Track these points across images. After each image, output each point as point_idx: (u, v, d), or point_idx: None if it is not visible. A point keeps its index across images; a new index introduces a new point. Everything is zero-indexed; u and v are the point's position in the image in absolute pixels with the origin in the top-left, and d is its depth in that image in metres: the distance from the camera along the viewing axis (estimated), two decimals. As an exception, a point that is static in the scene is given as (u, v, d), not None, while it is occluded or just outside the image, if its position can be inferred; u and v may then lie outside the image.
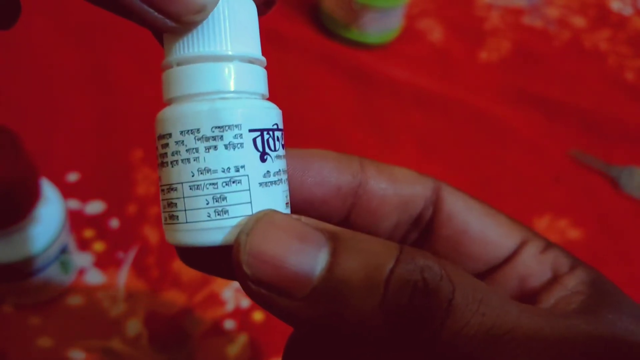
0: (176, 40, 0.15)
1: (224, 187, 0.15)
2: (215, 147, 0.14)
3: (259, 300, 0.14)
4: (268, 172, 0.15)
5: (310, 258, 0.13)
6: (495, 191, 0.43)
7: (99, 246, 0.36)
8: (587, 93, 0.50)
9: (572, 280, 0.17)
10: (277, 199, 0.15)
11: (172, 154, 0.15)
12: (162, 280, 0.35)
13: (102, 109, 0.43)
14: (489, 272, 0.18)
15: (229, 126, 0.14)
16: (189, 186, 0.15)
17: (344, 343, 0.14)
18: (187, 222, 0.15)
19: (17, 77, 0.43)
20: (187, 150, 0.15)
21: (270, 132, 0.15)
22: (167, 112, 0.15)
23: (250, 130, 0.15)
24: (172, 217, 0.15)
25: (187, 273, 0.35)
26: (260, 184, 0.15)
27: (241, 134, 0.15)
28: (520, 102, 0.49)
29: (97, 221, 0.37)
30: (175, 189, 0.15)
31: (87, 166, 0.39)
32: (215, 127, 0.14)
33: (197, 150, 0.15)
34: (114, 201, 0.38)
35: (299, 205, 0.18)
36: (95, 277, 0.34)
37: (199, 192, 0.15)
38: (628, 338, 0.14)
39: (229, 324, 0.34)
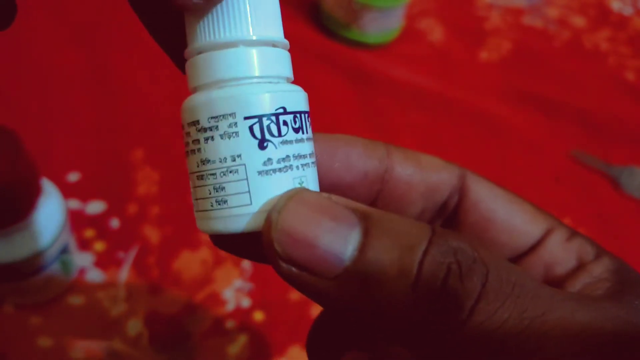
0: (192, 27, 0.15)
1: (221, 177, 0.15)
2: (212, 138, 0.14)
3: (289, 279, 0.14)
4: (269, 159, 0.15)
5: (341, 237, 0.13)
6: (496, 191, 0.43)
7: (99, 246, 0.36)
8: (587, 93, 0.50)
9: (598, 267, 0.17)
10: (282, 187, 0.15)
11: (186, 145, 0.15)
12: (163, 280, 0.35)
13: (102, 109, 0.43)
14: (515, 260, 0.18)
15: (223, 115, 0.14)
16: (196, 176, 0.15)
17: (374, 325, 0.14)
18: (198, 211, 0.15)
19: (17, 77, 0.43)
20: (192, 142, 0.15)
21: (273, 117, 0.15)
22: (184, 102, 0.15)
23: (246, 118, 0.14)
24: (194, 203, 0.16)
25: (188, 273, 0.35)
26: (260, 172, 0.14)
27: (235, 123, 0.14)
28: (521, 102, 0.49)
29: (97, 221, 0.37)
30: (191, 179, 0.15)
31: (88, 166, 0.39)
32: (211, 118, 0.14)
33: (198, 141, 0.15)
34: (114, 201, 0.38)
35: (326, 190, 0.17)
36: (95, 276, 0.34)
37: (203, 182, 0.15)
38: None
39: (229, 324, 0.34)
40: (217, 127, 0.14)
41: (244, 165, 0.14)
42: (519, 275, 0.13)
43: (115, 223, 0.37)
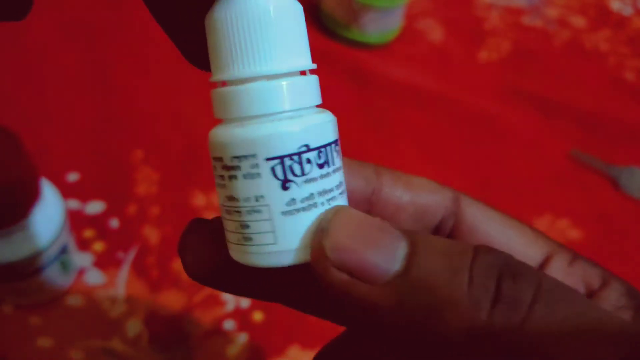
0: (215, 54, 0.15)
1: (246, 215, 0.15)
2: (236, 177, 0.14)
3: (340, 287, 0.14)
4: (293, 200, 0.14)
5: (391, 245, 0.13)
6: (495, 191, 0.43)
7: (99, 246, 0.36)
8: (587, 93, 0.50)
9: (612, 294, 0.17)
10: (307, 225, 0.15)
11: (215, 177, 0.15)
12: (162, 280, 0.35)
13: (102, 109, 0.43)
14: None
15: (245, 156, 0.14)
16: (225, 210, 0.15)
17: (424, 336, 0.13)
18: (229, 242, 0.15)
19: (17, 77, 0.43)
20: (219, 176, 0.15)
21: (295, 157, 0.14)
22: (210, 134, 0.15)
23: (268, 159, 0.14)
24: (225, 232, 0.16)
25: (187, 273, 0.35)
26: (284, 212, 0.14)
27: (257, 164, 0.14)
28: (520, 101, 0.49)
29: (97, 221, 0.37)
30: (221, 209, 0.15)
31: (87, 166, 0.39)
32: (234, 157, 0.14)
33: (223, 177, 0.15)
34: (114, 201, 0.38)
35: None
36: (95, 277, 0.34)
37: (231, 217, 0.15)
38: None
39: (229, 324, 0.34)
40: (239, 167, 0.14)
41: (268, 205, 0.14)
42: (564, 285, 0.13)
43: (114, 223, 0.37)
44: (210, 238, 0.17)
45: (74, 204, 0.37)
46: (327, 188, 0.15)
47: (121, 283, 0.34)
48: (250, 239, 0.15)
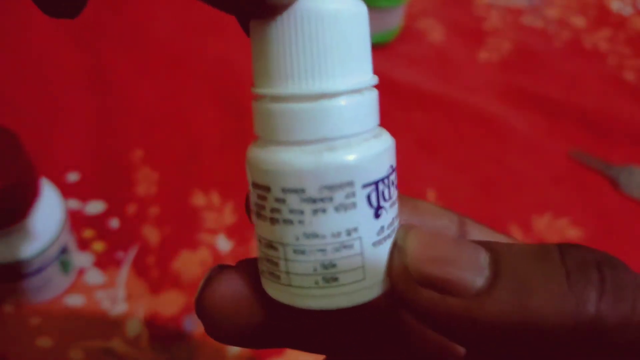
0: (270, 65, 0.13)
1: (333, 253, 0.13)
2: (324, 210, 0.13)
3: (430, 306, 0.13)
4: (382, 227, 0.13)
5: (473, 254, 0.13)
6: (495, 191, 0.43)
7: (99, 246, 0.36)
8: (587, 93, 0.50)
9: None
10: (387, 253, 0.14)
11: (272, 211, 0.13)
12: (162, 280, 0.35)
13: (102, 109, 0.43)
14: None
15: (340, 185, 0.13)
16: (293, 250, 0.13)
17: (528, 341, 0.12)
18: (291, 286, 0.13)
19: (16, 77, 0.43)
20: (290, 211, 0.13)
21: (386, 180, 0.13)
22: (264, 158, 0.13)
23: (364, 186, 0.13)
24: (272, 274, 0.14)
25: (187, 273, 0.35)
26: (374, 243, 0.13)
27: (354, 192, 0.13)
28: (520, 102, 0.49)
29: (97, 221, 0.37)
30: (276, 249, 0.13)
31: (87, 166, 0.39)
32: (324, 187, 0.12)
33: (302, 212, 0.13)
34: (114, 201, 0.38)
35: None
36: (95, 277, 0.34)
37: (305, 257, 0.13)
38: None
39: (229, 324, 0.34)
40: (331, 198, 0.13)
41: (360, 238, 0.13)
42: None
43: (114, 223, 0.37)
44: (240, 289, 0.15)
45: (74, 204, 0.37)
46: (397, 214, 0.14)
47: (121, 283, 0.34)
48: (335, 279, 0.13)
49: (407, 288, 0.13)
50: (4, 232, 0.28)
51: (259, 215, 0.14)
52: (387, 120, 0.53)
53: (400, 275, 0.13)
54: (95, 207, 0.37)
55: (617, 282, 0.12)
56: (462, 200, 0.42)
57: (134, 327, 0.33)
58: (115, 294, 0.34)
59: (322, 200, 0.13)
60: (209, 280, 0.15)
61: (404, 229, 0.14)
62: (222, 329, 0.15)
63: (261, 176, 0.13)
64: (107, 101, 0.43)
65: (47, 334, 0.32)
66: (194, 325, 0.33)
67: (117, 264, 0.35)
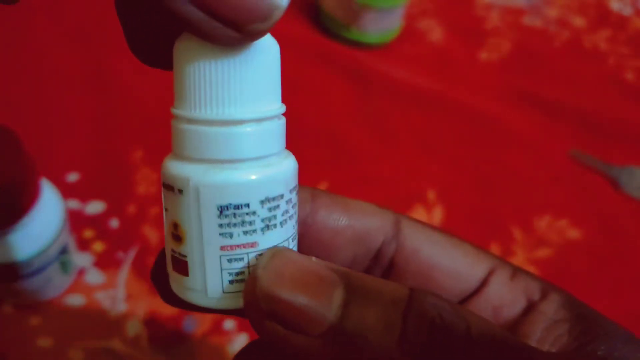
0: (188, 91, 0.15)
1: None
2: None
3: (273, 337, 0.13)
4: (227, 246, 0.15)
5: (326, 295, 0.13)
6: (495, 191, 0.43)
7: (98, 246, 0.36)
8: (587, 93, 0.50)
9: (550, 306, 0.17)
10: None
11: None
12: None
13: (102, 109, 0.43)
14: (461, 304, 0.18)
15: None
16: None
17: None
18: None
19: (16, 77, 0.43)
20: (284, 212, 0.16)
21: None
22: (175, 167, 0.15)
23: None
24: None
25: (187, 273, 0.35)
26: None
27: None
28: (520, 102, 0.49)
29: (97, 221, 0.37)
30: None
31: (87, 166, 0.39)
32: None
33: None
34: (114, 201, 0.38)
35: None
36: (95, 277, 0.34)
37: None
38: None
39: (229, 324, 0.34)
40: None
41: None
42: (500, 332, 0.13)
43: (114, 223, 0.37)
44: None
45: (74, 204, 0.37)
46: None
47: (121, 283, 0.34)
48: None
49: (254, 317, 0.14)
50: (3, 232, 0.28)
51: (166, 210, 0.16)
52: (387, 120, 0.53)
53: (250, 302, 0.14)
54: (95, 207, 0.37)
55: (441, 345, 0.13)
56: (462, 200, 0.42)
57: (133, 327, 0.33)
58: (115, 294, 0.34)
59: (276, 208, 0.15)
60: (160, 256, 0.17)
61: (269, 254, 0.14)
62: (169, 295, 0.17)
63: (169, 180, 0.15)
64: (107, 101, 0.43)
65: (47, 334, 0.32)
66: (194, 326, 0.34)
67: (117, 264, 0.35)
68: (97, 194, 0.38)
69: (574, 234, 0.41)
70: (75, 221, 0.36)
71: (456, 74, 0.50)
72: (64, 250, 0.31)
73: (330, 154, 0.43)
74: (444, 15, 0.55)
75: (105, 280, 0.34)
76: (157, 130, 0.42)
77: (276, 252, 0.14)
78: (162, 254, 0.17)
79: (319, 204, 0.18)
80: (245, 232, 0.14)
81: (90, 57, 0.45)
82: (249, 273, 0.14)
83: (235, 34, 0.13)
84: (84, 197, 0.37)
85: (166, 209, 0.15)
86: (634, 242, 0.42)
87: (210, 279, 0.14)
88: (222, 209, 0.14)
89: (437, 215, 0.40)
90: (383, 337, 0.13)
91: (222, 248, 0.14)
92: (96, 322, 0.33)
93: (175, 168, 0.15)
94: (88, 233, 0.36)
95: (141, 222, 0.37)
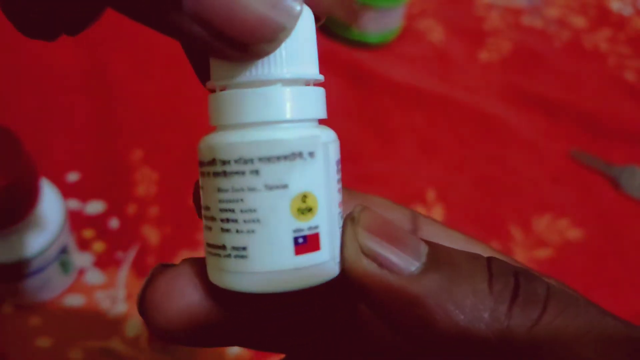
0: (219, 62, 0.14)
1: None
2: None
3: (366, 277, 0.14)
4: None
5: (416, 242, 0.14)
6: (495, 191, 0.43)
7: (98, 246, 0.36)
8: (587, 93, 0.50)
9: None
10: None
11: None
12: (162, 280, 0.35)
13: (101, 109, 0.43)
14: None
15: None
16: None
17: (439, 330, 0.14)
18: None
19: (16, 77, 0.43)
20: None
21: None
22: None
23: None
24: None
25: (187, 273, 0.35)
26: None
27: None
28: (520, 102, 0.49)
29: (97, 221, 0.37)
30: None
31: (87, 166, 0.39)
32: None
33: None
34: (114, 201, 0.38)
35: None
36: (95, 277, 0.34)
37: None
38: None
39: (229, 324, 0.34)
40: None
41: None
42: (570, 291, 0.14)
43: (114, 223, 0.37)
44: (181, 287, 0.15)
45: (74, 204, 0.37)
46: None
47: (121, 283, 0.34)
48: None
49: (353, 253, 0.14)
50: (4, 232, 0.28)
51: (270, 188, 0.14)
52: (387, 120, 0.53)
53: (350, 243, 0.14)
54: (95, 207, 0.37)
55: (530, 290, 0.13)
56: (462, 200, 0.42)
57: (133, 327, 0.33)
58: (115, 294, 0.34)
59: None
60: (151, 278, 0.15)
61: (361, 206, 0.15)
62: (163, 327, 0.14)
63: (288, 147, 0.13)
64: (107, 101, 0.43)
65: (47, 334, 0.32)
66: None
67: (117, 264, 0.35)
68: (97, 194, 0.38)
69: (574, 234, 0.41)
70: (75, 221, 0.36)
71: (456, 74, 0.50)
72: (64, 250, 0.31)
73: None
74: (444, 15, 0.55)
75: (105, 280, 0.34)
76: (157, 130, 0.42)
77: (366, 207, 0.15)
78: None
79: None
80: (339, 189, 0.15)
81: (90, 57, 0.45)
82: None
83: (239, 53, 0.12)
84: (84, 197, 0.37)
85: (272, 187, 0.13)
86: (634, 242, 0.42)
87: (339, 242, 0.14)
88: (337, 163, 0.14)
89: (437, 215, 0.40)
90: (472, 277, 0.14)
91: (339, 205, 0.14)
92: (96, 322, 0.33)
93: (295, 131, 0.13)
94: (88, 233, 0.36)
95: (141, 222, 0.37)
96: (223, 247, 0.14)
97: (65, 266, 0.32)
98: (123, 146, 0.41)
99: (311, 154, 0.13)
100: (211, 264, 0.14)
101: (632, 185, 0.44)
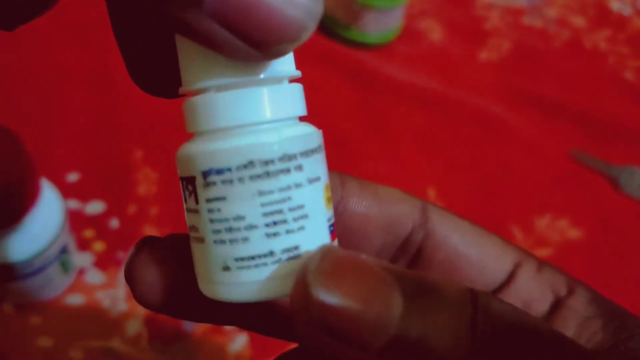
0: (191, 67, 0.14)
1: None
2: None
3: (326, 351, 0.12)
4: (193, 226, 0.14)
5: (385, 302, 0.11)
6: (495, 191, 0.43)
7: (99, 246, 0.36)
8: (587, 93, 0.50)
9: (578, 302, 0.16)
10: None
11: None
12: (162, 280, 0.35)
13: (102, 109, 0.43)
14: None
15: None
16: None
17: None
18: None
19: (17, 77, 0.43)
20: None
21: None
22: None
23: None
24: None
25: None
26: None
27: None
28: (521, 102, 0.49)
29: (97, 221, 0.37)
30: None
31: (87, 166, 0.39)
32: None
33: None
34: (114, 201, 0.38)
35: None
36: (95, 277, 0.34)
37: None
38: None
39: (229, 324, 0.34)
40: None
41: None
42: (565, 337, 0.13)
43: (114, 223, 0.37)
44: (164, 259, 0.15)
45: (74, 204, 0.37)
46: (193, 225, 0.14)
47: (121, 283, 0.34)
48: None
49: (305, 328, 0.12)
50: (3, 232, 0.28)
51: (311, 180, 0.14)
52: (387, 120, 0.53)
53: (298, 311, 0.12)
54: (95, 207, 0.37)
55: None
56: (462, 200, 0.42)
57: (133, 327, 0.33)
58: (115, 294, 0.34)
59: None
60: (137, 248, 0.16)
61: (319, 255, 0.12)
62: (146, 295, 0.15)
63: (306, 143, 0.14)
64: (107, 101, 0.43)
65: (47, 334, 0.32)
66: (194, 325, 0.34)
67: (117, 264, 0.35)
68: (97, 194, 0.38)
69: (574, 234, 0.41)
70: (75, 221, 0.36)
71: (456, 74, 0.50)
72: (64, 250, 0.31)
73: (330, 153, 0.43)
74: (444, 15, 0.55)
75: (105, 280, 0.34)
76: (157, 130, 0.42)
77: (327, 252, 0.12)
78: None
79: (349, 190, 0.17)
80: None
81: (90, 57, 0.45)
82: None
83: (258, 53, 0.12)
84: (84, 197, 0.37)
85: (312, 180, 0.13)
86: (634, 242, 0.42)
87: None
88: None
89: (437, 215, 0.40)
90: (452, 349, 0.11)
91: None
92: (96, 321, 0.33)
93: (311, 126, 0.14)
94: (88, 233, 0.36)
95: (141, 222, 0.37)
96: (271, 253, 0.13)
97: (65, 266, 0.32)
98: (123, 146, 0.41)
99: (321, 146, 0.14)
100: (246, 279, 0.13)
101: (631, 185, 0.44)
